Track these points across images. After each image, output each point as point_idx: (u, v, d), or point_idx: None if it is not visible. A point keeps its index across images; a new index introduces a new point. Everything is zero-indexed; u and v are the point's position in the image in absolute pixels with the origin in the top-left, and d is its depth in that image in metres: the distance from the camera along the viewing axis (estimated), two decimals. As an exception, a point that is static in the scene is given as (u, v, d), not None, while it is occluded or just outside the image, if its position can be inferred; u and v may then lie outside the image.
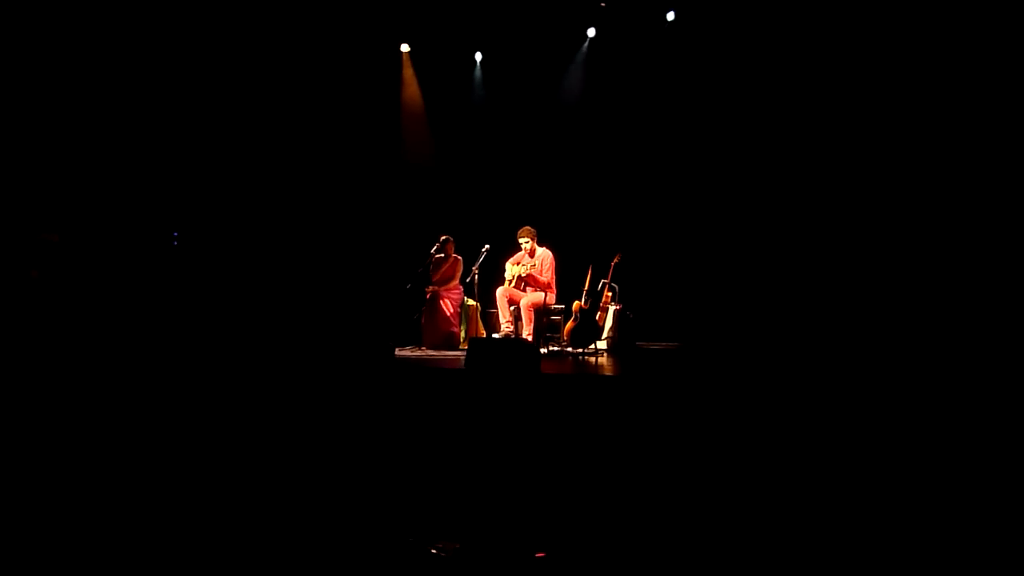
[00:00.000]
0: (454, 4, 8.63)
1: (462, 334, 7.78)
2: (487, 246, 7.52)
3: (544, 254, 7.26)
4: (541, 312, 7.10)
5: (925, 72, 6.83)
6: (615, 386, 4.80)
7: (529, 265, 7.18)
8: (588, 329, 6.99)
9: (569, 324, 7.21)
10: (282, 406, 4.77)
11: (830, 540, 2.85)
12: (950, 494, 3.25)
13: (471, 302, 7.89)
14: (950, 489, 3.30)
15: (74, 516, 3.11)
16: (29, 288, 6.87)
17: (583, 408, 4.46)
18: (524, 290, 7.20)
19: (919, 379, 4.57)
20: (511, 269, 7.33)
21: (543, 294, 7.05)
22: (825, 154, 7.43)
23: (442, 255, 7.79)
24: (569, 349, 7.16)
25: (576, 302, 7.12)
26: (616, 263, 7.29)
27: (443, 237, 7.77)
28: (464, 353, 5.67)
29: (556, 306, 7.32)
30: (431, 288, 7.67)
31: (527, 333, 7.00)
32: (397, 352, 6.64)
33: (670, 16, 8.37)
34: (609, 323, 7.33)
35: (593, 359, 6.59)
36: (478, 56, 9.35)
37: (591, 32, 8.80)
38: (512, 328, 7.18)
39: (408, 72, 9.51)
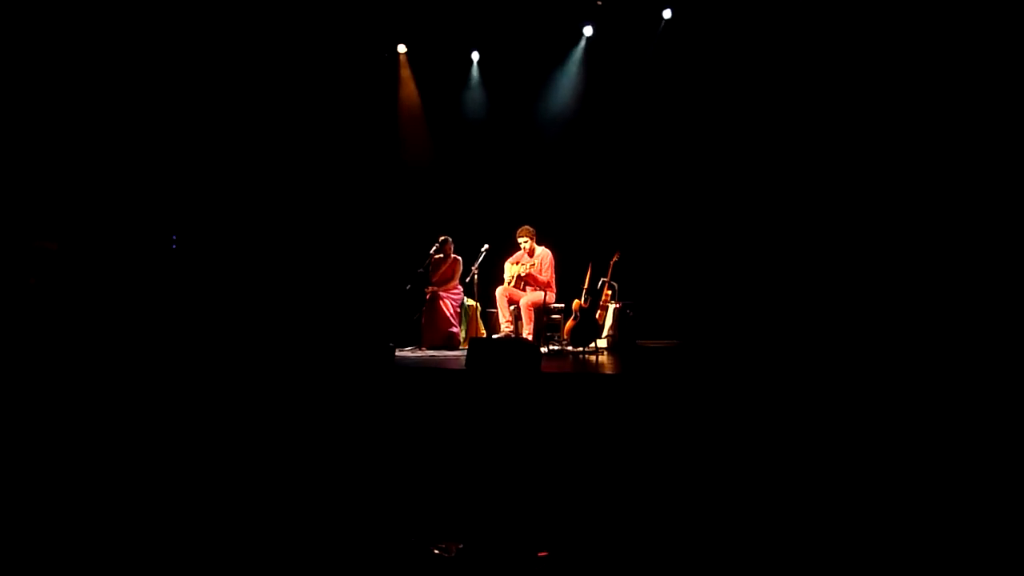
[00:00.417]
0: (451, 4, 8.62)
1: (462, 334, 7.78)
2: (486, 246, 7.52)
3: (543, 253, 7.26)
4: (541, 311, 7.10)
5: (924, 69, 6.82)
6: (615, 385, 4.79)
7: (528, 264, 7.18)
8: (588, 328, 6.99)
9: (569, 323, 7.21)
10: (283, 408, 4.76)
11: (830, 537, 2.85)
12: (950, 491, 3.25)
13: (471, 302, 7.88)
14: (950, 486, 3.29)
15: (73, 519, 3.11)
16: (27, 296, 6.87)
17: (584, 407, 4.45)
18: (524, 289, 7.20)
19: (918, 376, 4.57)
20: (511, 269, 7.32)
21: (543, 293, 7.05)
22: (823, 150, 7.43)
23: (441, 255, 7.79)
24: (569, 348, 7.15)
25: (576, 301, 7.12)
26: (615, 261, 7.29)
27: (442, 237, 7.77)
28: (464, 353, 5.67)
29: (556, 305, 7.31)
30: (431, 288, 7.67)
31: (527, 332, 6.99)
32: (397, 353, 6.63)
33: (667, 14, 8.37)
34: (609, 321, 7.32)
35: (593, 358, 6.58)
36: (475, 56, 9.34)
37: (588, 31, 8.79)
38: (512, 328, 7.18)
39: (405, 72, 9.51)
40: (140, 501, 3.35)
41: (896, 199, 6.94)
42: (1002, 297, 6.08)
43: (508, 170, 9.06)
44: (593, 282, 7.16)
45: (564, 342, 7.26)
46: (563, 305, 7.37)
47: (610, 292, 7.35)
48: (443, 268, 7.78)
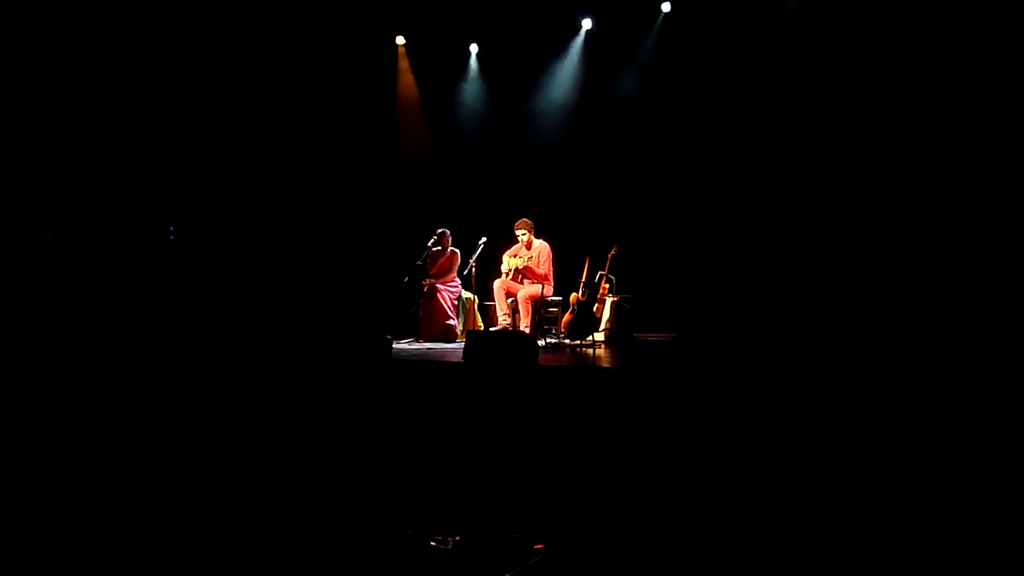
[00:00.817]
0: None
1: (460, 327, 7.78)
2: (484, 239, 7.51)
3: (541, 246, 7.25)
4: (539, 304, 7.10)
5: (928, 66, 6.81)
6: (613, 378, 4.80)
7: (526, 257, 7.17)
8: (586, 321, 6.99)
9: (567, 316, 7.21)
10: (280, 400, 4.76)
11: (827, 532, 2.85)
12: (950, 487, 3.26)
13: (468, 295, 7.88)
14: (950, 481, 3.30)
15: (70, 513, 3.11)
16: (24, 286, 6.86)
17: (581, 400, 4.45)
18: (521, 282, 7.20)
19: (918, 374, 4.57)
20: (508, 261, 7.32)
21: (540, 286, 7.05)
22: (823, 144, 7.42)
23: (439, 248, 7.78)
24: (567, 341, 7.15)
25: (573, 294, 7.12)
26: (613, 254, 7.28)
27: (440, 230, 7.76)
28: (462, 346, 5.68)
29: (554, 298, 7.31)
30: (428, 281, 7.66)
31: (525, 325, 6.99)
32: (395, 345, 6.63)
33: (666, 7, 8.34)
34: (607, 315, 7.32)
35: (591, 351, 6.59)
36: (473, 48, 9.31)
37: (587, 23, 8.76)
38: (510, 320, 7.17)
39: (403, 64, 9.47)
40: (138, 489, 3.35)
41: (895, 191, 6.93)
42: (1003, 285, 6.09)
43: (506, 162, 9.04)
44: (591, 275, 7.15)
45: (562, 335, 7.26)
46: (561, 298, 7.37)
47: (608, 285, 7.35)
48: (441, 261, 7.78)
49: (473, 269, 7.59)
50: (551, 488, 3.44)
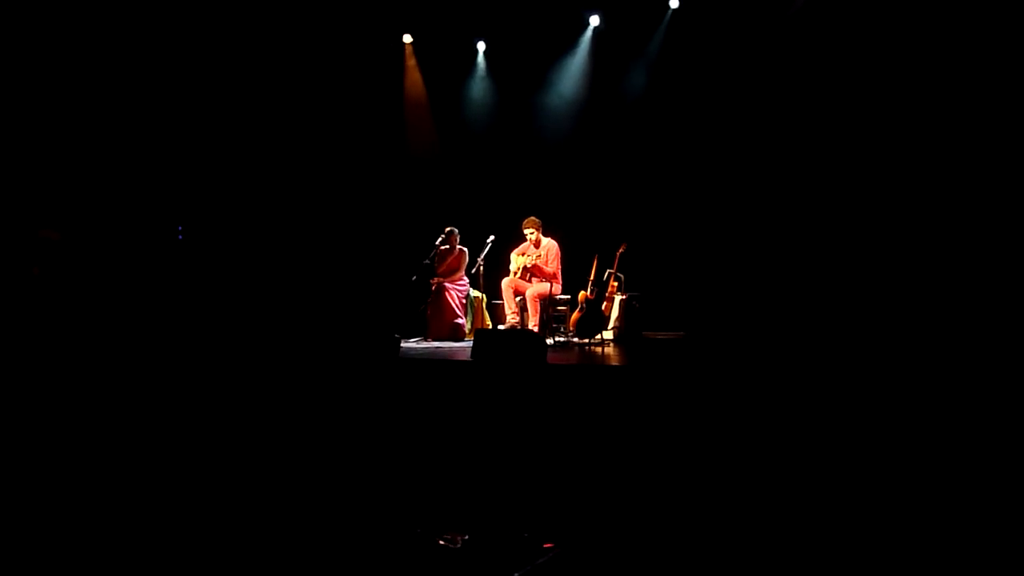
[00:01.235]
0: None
1: (468, 326, 7.76)
2: (492, 237, 7.49)
3: (549, 244, 7.23)
4: (547, 303, 7.07)
5: (938, 62, 6.75)
6: (621, 376, 4.77)
7: (534, 256, 7.15)
8: (594, 319, 6.96)
9: (575, 314, 7.18)
10: (290, 398, 4.76)
11: (833, 529, 2.82)
12: (952, 484, 3.22)
13: (476, 293, 7.86)
14: (953, 479, 3.26)
15: (75, 511, 3.10)
16: (31, 285, 6.88)
17: (590, 399, 4.43)
18: (530, 281, 7.17)
19: (919, 373, 4.52)
20: (516, 260, 7.29)
21: (549, 285, 7.02)
22: (831, 143, 7.37)
23: (447, 247, 7.76)
24: (575, 340, 7.13)
25: (582, 292, 7.09)
26: (622, 253, 7.26)
27: (448, 229, 7.74)
28: (470, 345, 5.66)
29: (562, 296, 7.29)
30: (436, 280, 7.64)
31: (533, 324, 6.97)
32: (403, 344, 6.62)
33: (674, 3, 8.30)
34: (615, 313, 7.29)
35: (599, 349, 6.56)
36: (481, 45, 9.29)
37: (595, 20, 8.73)
38: (518, 319, 7.15)
39: (411, 63, 9.47)
40: (145, 487, 3.34)
41: (906, 189, 6.88)
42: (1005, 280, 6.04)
43: (514, 161, 9.02)
44: (599, 273, 7.12)
45: (570, 334, 7.24)
46: (569, 296, 7.34)
47: (616, 283, 7.32)
48: (449, 259, 7.76)
49: (481, 268, 7.57)
50: (560, 487, 3.42)
